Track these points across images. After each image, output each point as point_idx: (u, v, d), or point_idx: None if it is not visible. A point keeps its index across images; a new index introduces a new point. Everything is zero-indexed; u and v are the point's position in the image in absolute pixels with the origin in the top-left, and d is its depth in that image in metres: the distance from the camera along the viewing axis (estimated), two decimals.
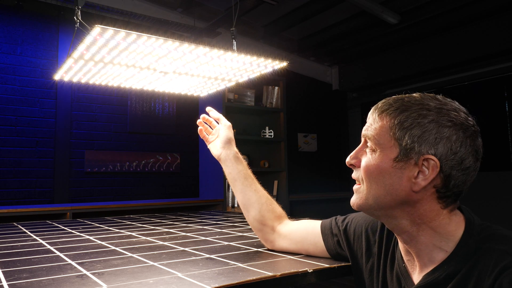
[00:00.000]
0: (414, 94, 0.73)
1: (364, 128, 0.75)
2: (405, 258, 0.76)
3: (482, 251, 0.64)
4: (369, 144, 0.74)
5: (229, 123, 1.17)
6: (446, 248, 0.69)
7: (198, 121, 1.23)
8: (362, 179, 0.74)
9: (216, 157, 1.17)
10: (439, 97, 0.72)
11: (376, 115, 0.73)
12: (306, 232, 1.01)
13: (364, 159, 0.74)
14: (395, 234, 0.77)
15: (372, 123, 0.74)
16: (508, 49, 3.43)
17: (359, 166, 0.75)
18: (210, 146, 1.21)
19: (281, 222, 1.07)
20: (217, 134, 1.19)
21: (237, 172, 1.11)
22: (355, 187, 0.77)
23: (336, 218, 0.98)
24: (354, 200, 0.76)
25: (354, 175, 0.78)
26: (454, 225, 0.70)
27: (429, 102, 0.70)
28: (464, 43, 3.70)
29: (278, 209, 1.10)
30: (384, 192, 0.71)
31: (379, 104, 0.75)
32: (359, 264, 0.88)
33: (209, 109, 1.22)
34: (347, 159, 0.78)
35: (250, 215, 1.09)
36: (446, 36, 3.82)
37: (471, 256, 0.65)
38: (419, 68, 4.06)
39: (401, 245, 0.77)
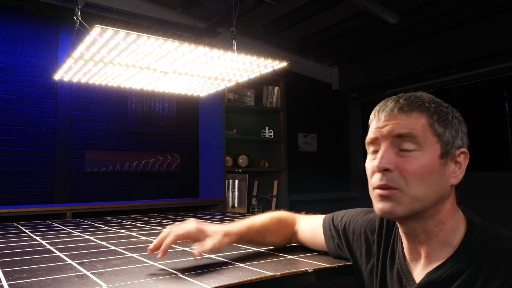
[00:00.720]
0: (415, 93, 0.74)
1: (394, 127, 0.69)
2: (408, 257, 0.75)
3: (488, 252, 0.64)
4: (407, 144, 0.68)
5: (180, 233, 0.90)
6: (449, 245, 0.69)
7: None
8: (404, 182, 0.67)
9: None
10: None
11: (409, 112, 0.69)
12: (314, 242, 1.03)
13: (407, 161, 0.68)
14: (400, 235, 0.76)
15: (405, 120, 0.69)
16: (508, 49, 3.43)
17: (394, 170, 0.68)
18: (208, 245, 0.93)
19: (295, 231, 1.08)
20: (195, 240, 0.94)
21: (243, 242, 1.02)
22: (386, 192, 0.68)
23: (333, 218, 0.98)
24: (390, 207, 0.68)
25: (389, 181, 0.68)
26: (461, 222, 0.70)
27: (437, 100, 0.73)
28: (464, 43, 3.70)
29: (287, 222, 1.06)
30: (431, 192, 0.68)
31: (401, 101, 0.71)
32: (359, 265, 0.88)
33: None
34: (379, 164, 0.69)
35: (274, 246, 1.09)
36: (446, 36, 3.82)
37: (476, 256, 0.65)
38: (419, 68, 4.06)
39: (406, 245, 0.75)
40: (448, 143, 0.69)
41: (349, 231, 0.91)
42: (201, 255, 0.87)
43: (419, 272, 0.72)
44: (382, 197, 0.69)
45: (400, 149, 0.69)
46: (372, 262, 0.84)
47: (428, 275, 0.68)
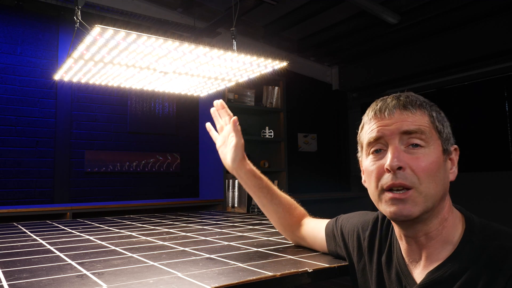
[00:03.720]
0: (408, 93, 0.75)
1: (402, 124, 0.68)
2: (407, 258, 0.74)
3: (491, 249, 0.63)
4: (417, 140, 0.67)
5: (238, 131, 1.05)
6: (448, 244, 0.68)
7: (212, 110, 1.12)
8: (417, 180, 0.66)
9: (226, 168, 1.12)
10: None
11: (414, 108, 0.69)
12: (314, 236, 1.04)
13: (420, 158, 0.67)
14: (404, 238, 0.73)
15: (412, 117, 0.69)
16: (508, 49, 3.43)
17: (406, 168, 0.67)
18: (219, 152, 1.13)
19: (300, 224, 1.09)
20: (224, 141, 1.10)
21: (249, 186, 1.08)
22: (402, 194, 0.67)
23: (337, 221, 0.98)
24: (408, 211, 0.66)
25: (403, 179, 0.66)
26: (458, 219, 0.71)
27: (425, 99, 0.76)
28: (464, 43, 3.70)
29: (296, 211, 1.10)
30: (440, 188, 0.68)
31: (402, 99, 0.71)
32: (354, 264, 0.88)
33: (222, 105, 1.11)
34: (393, 162, 0.66)
35: (272, 221, 1.14)
36: (446, 36, 3.82)
37: (478, 254, 0.64)
38: (419, 68, 4.06)
39: (406, 247, 0.74)
40: (447, 139, 0.71)
41: (345, 231, 0.92)
42: (235, 122, 1.04)
43: (419, 273, 0.71)
44: (396, 200, 0.67)
45: (407, 146, 0.68)
46: (364, 260, 0.84)
47: (429, 274, 0.67)
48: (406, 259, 0.74)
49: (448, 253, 0.67)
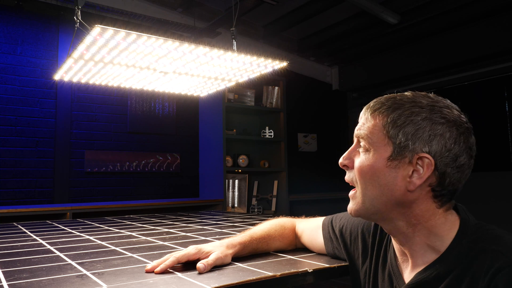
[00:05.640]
0: (406, 93, 0.72)
1: (357, 128, 0.74)
2: (399, 257, 0.76)
3: (475, 252, 0.63)
4: (362, 144, 0.72)
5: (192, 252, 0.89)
6: (439, 248, 0.68)
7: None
8: (356, 181, 0.72)
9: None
10: (431, 95, 0.71)
11: (369, 114, 0.72)
12: (313, 245, 1.03)
13: (357, 160, 0.72)
14: (390, 236, 0.76)
15: (365, 122, 0.72)
16: (508, 49, 3.43)
17: (352, 167, 0.73)
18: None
19: (297, 235, 1.08)
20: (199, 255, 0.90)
21: (248, 252, 1.00)
22: (351, 193, 0.75)
23: (332, 220, 0.98)
24: (350, 207, 0.75)
25: (347, 177, 0.75)
26: (449, 225, 0.69)
27: (421, 100, 0.69)
28: (464, 43, 3.70)
29: (287, 229, 1.06)
30: (380, 193, 0.69)
31: (371, 103, 0.73)
32: (356, 265, 0.88)
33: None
34: (340, 160, 0.75)
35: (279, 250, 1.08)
36: (446, 36, 3.82)
37: (463, 257, 0.64)
38: (419, 68, 4.06)
39: (395, 246, 0.76)
40: (401, 146, 0.67)
41: (346, 233, 0.92)
42: (206, 268, 0.84)
43: (408, 273, 0.72)
44: (349, 197, 0.76)
45: (358, 148, 0.73)
46: (367, 263, 0.84)
47: (417, 275, 0.68)
48: (399, 258, 0.76)
49: (435, 256, 0.68)
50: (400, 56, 4.23)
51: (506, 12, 3.36)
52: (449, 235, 0.68)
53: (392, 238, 0.76)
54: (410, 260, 0.72)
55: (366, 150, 0.71)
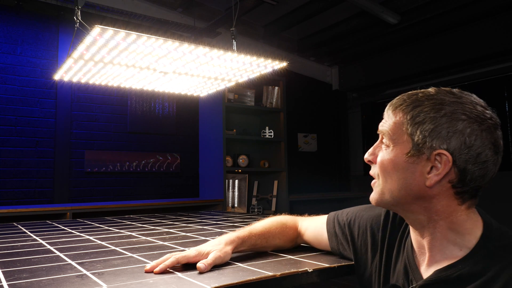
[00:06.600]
0: (429, 89, 0.73)
1: (380, 124, 0.76)
2: (416, 250, 0.75)
3: (508, 261, 0.63)
4: (384, 140, 0.74)
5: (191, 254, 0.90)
6: (461, 246, 0.68)
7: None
8: (378, 175, 0.75)
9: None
10: (455, 90, 0.71)
11: (390, 111, 0.74)
12: (318, 241, 1.03)
13: (380, 155, 0.75)
14: (410, 227, 0.77)
15: (387, 119, 0.74)
16: (508, 49, 3.43)
17: (375, 162, 0.76)
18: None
19: (300, 233, 1.08)
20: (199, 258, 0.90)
21: (247, 247, 1.00)
22: (372, 182, 0.78)
23: (338, 215, 0.98)
24: (372, 196, 0.77)
25: (371, 171, 0.78)
26: (471, 223, 0.69)
27: (443, 97, 0.69)
28: (464, 43, 3.70)
29: (289, 226, 1.06)
30: (398, 186, 0.71)
31: (394, 100, 0.75)
32: (363, 260, 0.88)
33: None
34: (365, 156, 0.78)
35: (279, 249, 1.08)
36: (446, 36, 3.82)
37: (492, 263, 0.64)
38: (419, 68, 4.06)
39: (414, 238, 0.76)
40: (419, 143, 0.68)
41: (354, 227, 0.91)
42: (206, 268, 0.85)
43: (425, 267, 0.72)
44: (372, 186, 0.78)
45: (381, 143, 0.76)
46: (377, 257, 0.84)
47: (438, 272, 0.68)
48: (416, 251, 0.75)
49: (459, 254, 0.68)
50: (400, 56, 4.23)
51: (506, 12, 3.36)
52: (471, 234, 0.68)
53: (411, 230, 0.77)
54: (427, 254, 0.72)
55: (387, 146, 0.73)
